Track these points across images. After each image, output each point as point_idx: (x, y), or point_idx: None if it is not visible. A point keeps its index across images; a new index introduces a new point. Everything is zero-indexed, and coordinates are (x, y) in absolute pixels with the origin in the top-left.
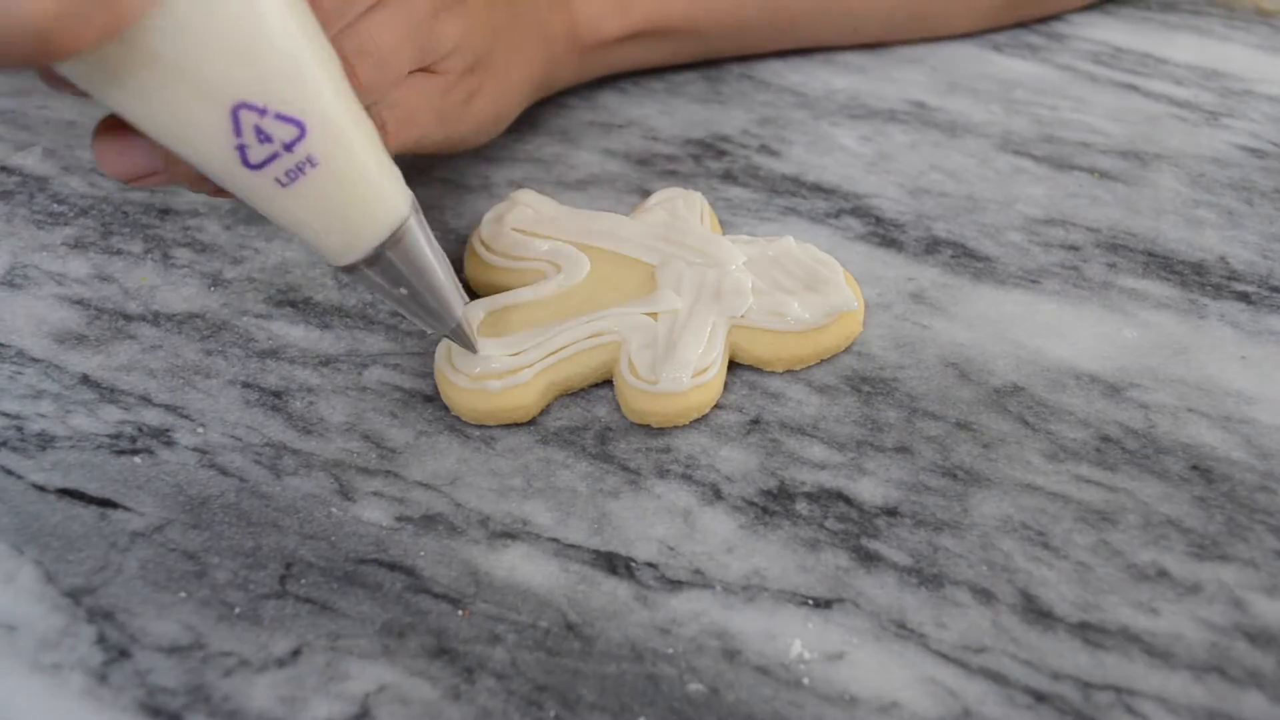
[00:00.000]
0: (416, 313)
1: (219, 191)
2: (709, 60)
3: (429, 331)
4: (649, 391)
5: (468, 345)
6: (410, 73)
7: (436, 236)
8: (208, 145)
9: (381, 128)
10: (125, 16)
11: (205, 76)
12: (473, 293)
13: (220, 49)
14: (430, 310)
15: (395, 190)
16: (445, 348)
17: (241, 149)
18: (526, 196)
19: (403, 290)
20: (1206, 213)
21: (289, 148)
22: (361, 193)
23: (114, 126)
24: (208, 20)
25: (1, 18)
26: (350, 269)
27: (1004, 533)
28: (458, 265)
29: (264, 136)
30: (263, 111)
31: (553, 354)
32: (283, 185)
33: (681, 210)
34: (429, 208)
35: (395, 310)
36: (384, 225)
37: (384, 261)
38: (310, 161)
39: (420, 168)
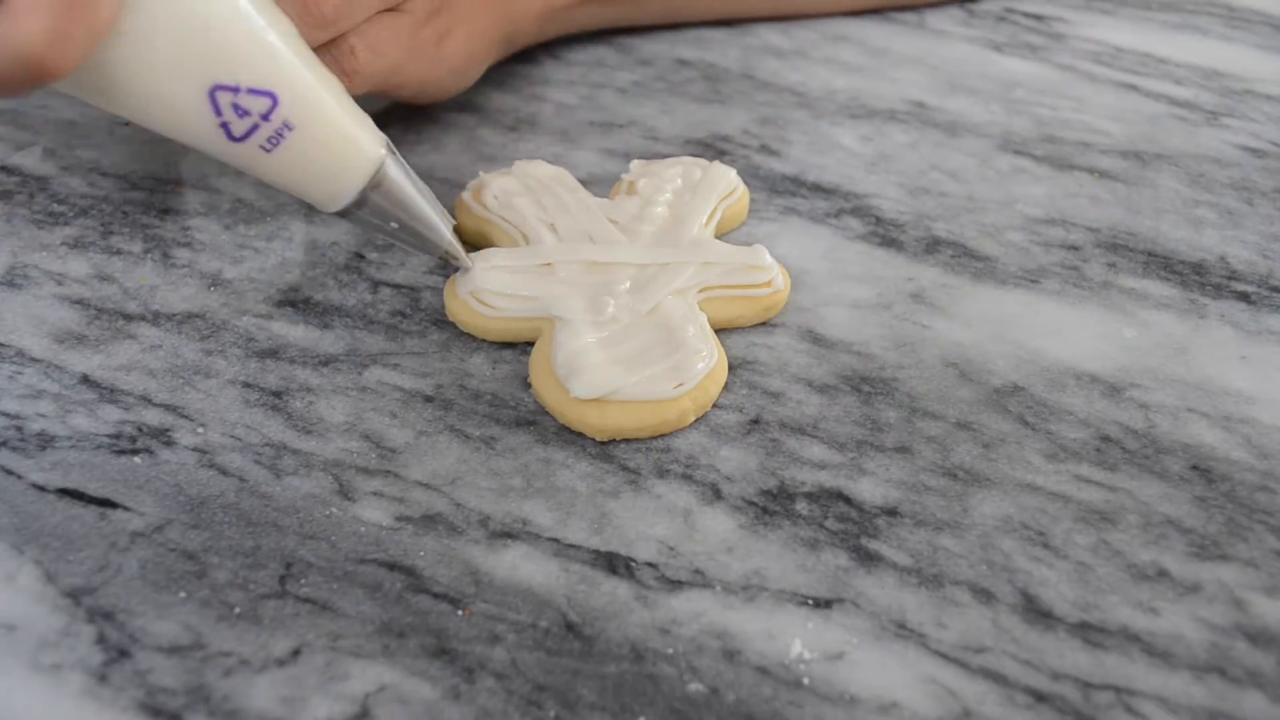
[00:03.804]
0: (409, 242)
1: None
2: (675, 24)
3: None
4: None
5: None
6: (380, 12)
7: None
8: (195, 127)
9: (351, 54)
10: (101, 27)
11: (178, 68)
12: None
13: (187, 40)
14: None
15: (369, 138)
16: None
17: (225, 126)
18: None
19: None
20: (1206, 213)
21: (266, 117)
22: (339, 146)
23: None
24: (173, 15)
25: None
26: (343, 213)
27: (1004, 533)
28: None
29: (242, 111)
30: (235, 90)
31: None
32: (267, 151)
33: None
34: None
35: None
36: (363, 171)
37: (371, 202)
38: (287, 126)
39: (421, 169)
